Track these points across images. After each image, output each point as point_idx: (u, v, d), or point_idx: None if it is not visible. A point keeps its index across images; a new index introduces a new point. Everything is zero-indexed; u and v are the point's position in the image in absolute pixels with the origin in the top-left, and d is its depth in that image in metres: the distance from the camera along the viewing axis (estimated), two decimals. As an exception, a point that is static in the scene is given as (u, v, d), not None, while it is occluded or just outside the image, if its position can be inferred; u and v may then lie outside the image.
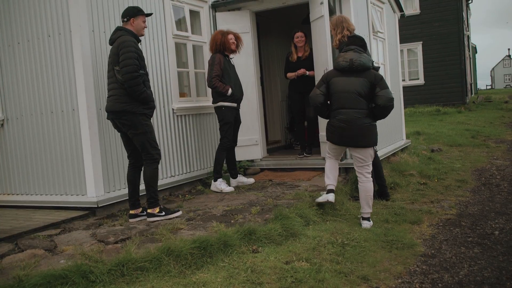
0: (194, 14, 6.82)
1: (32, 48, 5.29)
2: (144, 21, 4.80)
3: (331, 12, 6.33)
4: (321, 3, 6.28)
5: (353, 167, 5.96)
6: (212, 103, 6.10)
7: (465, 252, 3.97)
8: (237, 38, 6.17)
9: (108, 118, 4.74)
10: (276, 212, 4.35)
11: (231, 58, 6.20)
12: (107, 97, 4.68)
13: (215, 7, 7.04)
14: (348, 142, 4.69)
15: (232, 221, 4.43)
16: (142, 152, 4.65)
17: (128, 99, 4.51)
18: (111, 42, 4.67)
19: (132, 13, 4.71)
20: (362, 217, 4.74)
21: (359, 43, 4.77)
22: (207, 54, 6.64)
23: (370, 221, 4.72)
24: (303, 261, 3.58)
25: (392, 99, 4.59)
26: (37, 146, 5.40)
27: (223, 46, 5.97)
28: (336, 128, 4.67)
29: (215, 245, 3.59)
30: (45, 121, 5.30)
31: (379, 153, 6.25)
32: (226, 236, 3.70)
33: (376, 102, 4.60)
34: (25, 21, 5.31)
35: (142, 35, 4.81)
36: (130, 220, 4.73)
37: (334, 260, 3.68)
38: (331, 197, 4.76)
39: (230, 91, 5.91)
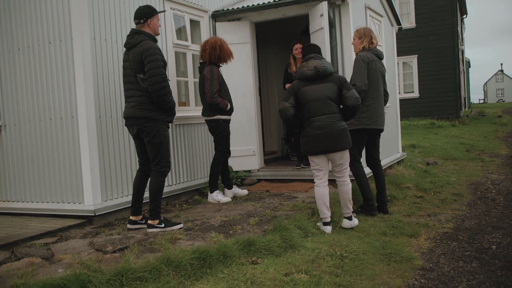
0: (194, 24, 6.85)
1: (33, 55, 5.28)
2: (159, 19, 4.73)
3: (331, 24, 6.39)
4: (321, 15, 6.33)
5: (351, 179, 6.02)
6: (204, 116, 5.95)
7: (463, 266, 3.98)
8: None
9: (126, 125, 4.68)
10: (275, 223, 4.34)
11: (221, 67, 6.02)
12: (126, 102, 4.60)
13: (215, 17, 7.07)
14: (327, 148, 4.75)
15: (230, 231, 4.42)
16: (152, 161, 4.59)
17: (152, 107, 4.46)
18: (129, 46, 4.52)
19: (148, 13, 4.59)
20: (345, 217, 4.98)
21: (317, 50, 4.95)
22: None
23: (352, 219, 4.98)
24: (302, 273, 3.57)
25: (359, 98, 4.80)
26: (35, 152, 5.37)
27: (222, 58, 5.81)
28: (313, 136, 4.75)
29: (215, 256, 3.57)
30: (43, 127, 5.28)
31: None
32: (226, 247, 3.68)
33: (345, 104, 4.78)
34: (26, 28, 5.30)
35: (158, 34, 4.73)
36: (129, 226, 4.70)
37: (333, 272, 3.67)
38: (329, 229, 4.80)
39: (229, 106, 5.87)
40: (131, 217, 4.74)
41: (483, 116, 23.22)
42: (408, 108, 19.45)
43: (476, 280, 3.65)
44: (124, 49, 4.94)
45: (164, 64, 4.50)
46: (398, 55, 19.25)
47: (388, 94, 5.79)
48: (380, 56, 5.50)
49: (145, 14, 4.58)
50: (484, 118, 22.15)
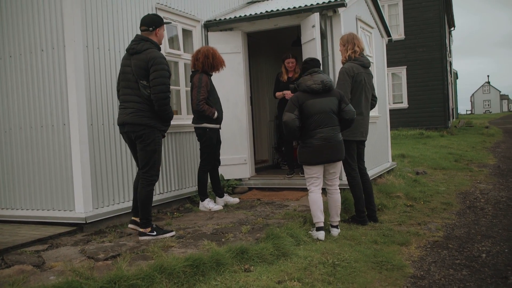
0: (187, 33, 6.89)
1: (24, 62, 5.27)
2: (164, 30, 4.76)
3: (323, 35, 6.47)
4: (313, 26, 6.40)
5: (344, 188, 6.07)
6: (193, 123, 5.96)
7: (453, 274, 4.01)
8: None
9: (121, 132, 4.66)
10: (268, 231, 4.35)
11: (211, 75, 6.04)
12: (122, 108, 4.57)
13: (207, 27, 7.12)
14: (329, 158, 4.94)
15: (223, 239, 4.42)
16: (142, 168, 4.57)
17: (151, 114, 4.45)
18: (134, 51, 4.50)
19: (158, 22, 4.61)
20: (331, 225, 5.10)
21: (318, 65, 5.18)
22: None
23: (338, 228, 5.11)
24: (295, 281, 3.57)
25: (355, 112, 5.07)
26: (25, 160, 5.33)
27: (215, 66, 5.85)
28: (316, 147, 4.90)
29: (208, 263, 3.57)
30: (34, 135, 5.25)
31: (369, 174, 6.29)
32: (219, 255, 3.68)
33: (343, 117, 5.01)
34: (18, 35, 5.29)
35: (161, 44, 4.77)
36: (130, 226, 4.75)
37: (325, 280, 3.69)
38: (322, 235, 4.85)
39: (216, 114, 5.87)
40: (133, 218, 4.75)
41: (471, 126, 23.51)
42: (397, 118, 19.62)
43: (467, 288, 3.69)
44: (118, 57, 4.98)
45: (169, 74, 4.52)
46: (388, 66, 19.51)
47: (376, 97, 5.85)
48: (365, 65, 5.53)
49: (155, 22, 4.61)
50: (472, 129, 22.42)
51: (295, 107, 4.94)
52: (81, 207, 4.92)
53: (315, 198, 4.98)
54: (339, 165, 5.12)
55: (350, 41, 5.52)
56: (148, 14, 4.76)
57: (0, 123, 5.50)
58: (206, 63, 5.80)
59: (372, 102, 5.72)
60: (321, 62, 6.38)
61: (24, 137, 5.33)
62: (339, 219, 5.14)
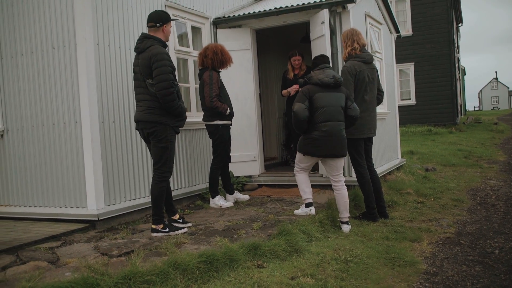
0: (196, 30, 6.89)
1: (36, 60, 5.30)
2: (171, 26, 4.78)
3: (332, 31, 6.45)
4: (322, 22, 6.39)
5: (354, 185, 6.08)
6: (205, 121, 5.97)
7: (466, 270, 4.00)
8: None
9: (137, 129, 4.70)
10: (280, 228, 4.36)
11: (220, 72, 6.05)
12: (137, 106, 4.63)
13: (216, 24, 7.12)
14: (332, 152, 5.03)
15: (235, 236, 4.43)
16: (155, 165, 4.61)
17: (162, 111, 4.48)
18: (139, 50, 4.54)
19: (165, 18, 4.62)
20: (341, 221, 5.14)
21: (328, 61, 5.31)
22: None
23: (349, 224, 5.13)
24: (308, 277, 3.58)
25: (359, 110, 5.21)
26: (37, 157, 5.37)
27: (224, 62, 5.85)
28: (320, 140, 5.00)
29: (221, 259, 3.58)
30: (46, 132, 5.29)
31: (378, 171, 6.27)
32: (232, 251, 3.69)
33: (349, 114, 5.11)
34: (29, 33, 5.33)
35: (168, 40, 4.76)
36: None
37: (338, 276, 3.69)
38: (313, 210, 5.20)
39: (228, 110, 5.88)
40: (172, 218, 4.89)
41: (479, 123, 23.35)
42: (405, 115, 19.54)
43: (481, 284, 3.68)
44: (128, 54, 4.98)
45: (173, 69, 4.52)
46: (395, 62, 19.44)
47: (382, 92, 5.82)
48: (367, 61, 5.48)
49: (162, 18, 4.62)
50: (480, 125, 22.28)
51: (305, 98, 5.04)
52: (93, 204, 4.95)
53: (303, 178, 5.27)
54: (342, 161, 5.16)
55: (350, 38, 5.48)
56: (155, 10, 4.77)
57: (12, 120, 5.54)
58: (216, 60, 5.79)
59: (378, 97, 5.69)
60: (330, 58, 6.38)
61: (36, 135, 5.37)
62: (348, 215, 5.16)
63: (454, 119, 19.60)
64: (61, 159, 5.20)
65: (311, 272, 3.68)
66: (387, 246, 4.60)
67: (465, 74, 42.77)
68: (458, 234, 5.11)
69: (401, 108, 19.46)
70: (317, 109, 5.00)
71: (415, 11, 19.82)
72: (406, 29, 19.88)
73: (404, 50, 19.53)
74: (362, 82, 5.40)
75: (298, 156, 5.29)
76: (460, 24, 27.92)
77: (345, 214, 5.12)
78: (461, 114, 28.34)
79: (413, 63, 19.92)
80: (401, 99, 20.11)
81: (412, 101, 20.04)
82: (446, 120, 19.52)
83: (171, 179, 6.02)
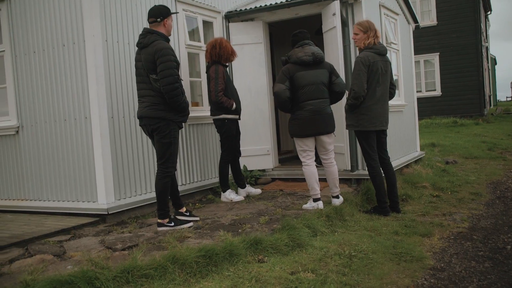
0: (207, 25, 6.89)
1: (47, 57, 5.40)
2: (172, 20, 4.79)
3: (344, 23, 6.35)
4: (334, 14, 6.30)
5: (365, 178, 6.02)
6: (212, 115, 5.98)
7: (475, 266, 3.90)
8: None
9: (140, 125, 4.74)
10: (283, 222, 4.34)
11: (227, 67, 6.06)
12: (140, 102, 4.65)
13: (228, 18, 7.11)
14: (319, 130, 5.13)
15: (239, 230, 4.43)
16: (158, 160, 4.64)
17: (165, 107, 4.50)
18: (142, 45, 4.54)
19: (166, 13, 4.62)
20: (332, 196, 5.38)
21: (308, 37, 5.28)
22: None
23: (339, 197, 5.37)
24: (308, 272, 3.55)
25: (345, 85, 5.30)
26: (51, 153, 5.49)
27: (221, 56, 5.81)
28: (305, 119, 5.07)
29: (220, 254, 3.59)
30: (58, 128, 5.39)
31: (393, 164, 6.16)
32: (232, 245, 3.69)
33: (334, 90, 5.19)
34: (41, 31, 5.43)
35: (170, 35, 4.77)
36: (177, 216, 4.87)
37: (340, 271, 3.65)
38: (321, 204, 5.22)
39: (234, 105, 5.86)
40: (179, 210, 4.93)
41: (509, 114, 22.71)
42: (430, 106, 19.16)
43: (488, 281, 3.58)
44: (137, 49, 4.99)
45: (177, 64, 4.53)
46: (419, 53, 19.06)
47: (395, 86, 5.70)
48: (382, 53, 5.37)
49: (163, 13, 4.62)
50: (509, 116, 21.68)
51: (286, 78, 5.06)
52: (104, 198, 5.03)
53: (312, 171, 5.22)
54: (330, 139, 5.26)
55: (372, 28, 5.36)
56: (155, 5, 4.78)
57: (27, 117, 5.67)
58: (214, 53, 5.81)
59: (390, 90, 5.56)
60: (342, 51, 6.30)
61: (49, 131, 5.48)
62: (338, 190, 5.38)
63: (481, 110, 19.10)
64: (73, 154, 5.30)
65: (312, 267, 3.64)
66: (395, 241, 4.52)
67: (495, 64, 41.63)
68: (471, 229, 4.98)
69: (425, 99, 19.16)
70: (298, 88, 5.05)
71: (440, 0, 19.35)
72: (431, 19, 19.45)
73: (429, 40, 19.12)
74: (375, 74, 5.30)
75: (295, 144, 5.35)
76: (488, 12, 27.12)
77: (334, 190, 5.35)
78: (490, 105, 27.61)
79: (438, 53, 19.48)
80: (426, 90, 19.72)
81: (438, 92, 19.62)
82: (472, 111, 19.05)
83: (183, 173, 6.08)
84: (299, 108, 5.09)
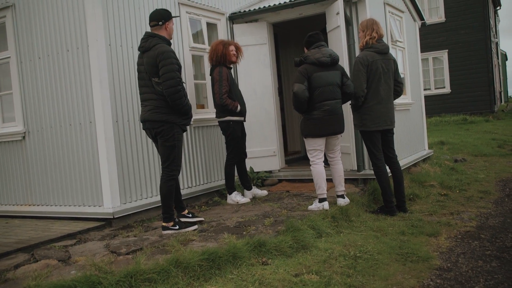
0: (211, 27, 6.90)
1: (52, 62, 5.44)
2: (173, 23, 4.81)
3: (348, 22, 6.32)
4: (337, 13, 6.26)
5: (371, 178, 5.99)
6: (217, 118, 5.99)
7: (482, 266, 3.85)
8: (238, 49, 6.07)
9: (144, 128, 4.76)
10: (288, 224, 4.32)
11: (231, 68, 6.08)
12: (143, 106, 4.66)
13: (232, 19, 7.10)
14: (335, 130, 5.22)
15: (244, 232, 4.42)
16: (163, 164, 4.65)
17: (168, 110, 4.51)
18: (144, 49, 4.56)
19: (167, 16, 4.65)
20: (337, 195, 5.40)
21: (323, 39, 5.33)
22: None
23: (344, 197, 5.38)
24: (312, 274, 3.53)
25: (353, 86, 5.27)
26: (57, 158, 5.52)
27: (223, 58, 5.84)
28: (321, 120, 5.14)
29: (224, 257, 3.58)
30: (64, 133, 5.42)
31: (401, 163, 6.10)
32: (236, 248, 3.68)
33: (345, 91, 5.25)
34: (45, 36, 5.47)
35: (172, 38, 4.78)
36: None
37: (345, 273, 3.62)
38: (327, 205, 5.21)
39: (239, 107, 5.86)
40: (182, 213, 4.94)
41: (520, 110, 22.45)
42: (439, 104, 19.00)
43: (494, 280, 3.53)
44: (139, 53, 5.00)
45: (179, 67, 4.53)
46: (428, 50, 18.92)
47: (401, 83, 5.64)
48: (382, 51, 5.32)
49: (164, 16, 4.63)
50: (520, 112, 21.41)
51: (304, 78, 5.11)
52: (109, 203, 5.05)
53: (320, 170, 5.24)
54: (340, 138, 5.37)
55: (370, 27, 5.35)
56: (157, 9, 4.81)
57: (33, 122, 5.71)
58: (214, 56, 5.86)
59: (396, 88, 5.51)
60: (346, 50, 6.26)
61: (54, 136, 5.52)
62: (343, 189, 5.39)
63: (491, 107, 18.89)
64: (78, 159, 5.33)
65: (316, 268, 3.62)
66: (402, 241, 4.48)
67: (506, 59, 41.15)
68: (479, 227, 4.92)
69: (435, 97, 19.00)
70: (315, 88, 5.11)
71: (448, -4, 19.18)
72: (439, 16, 19.29)
73: (437, 37, 18.97)
74: (375, 73, 5.26)
75: (306, 143, 5.36)
76: (498, 8, 26.82)
77: (340, 188, 5.36)
78: (501, 101, 27.31)
79: (447, 50, 19.31)
80: (435, 88, 19.56)
81: (447, 90, 19.44)
82: (482, 108, 18.85)
83: (188, 176, 6.09)
84: (315, 109, 5.15)
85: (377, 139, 5.35)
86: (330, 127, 5.18)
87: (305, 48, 5.42)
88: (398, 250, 4.19)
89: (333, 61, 5.16)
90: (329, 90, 5.13)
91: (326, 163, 5.64)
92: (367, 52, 5.28)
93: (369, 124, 5.26)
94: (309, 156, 5.36)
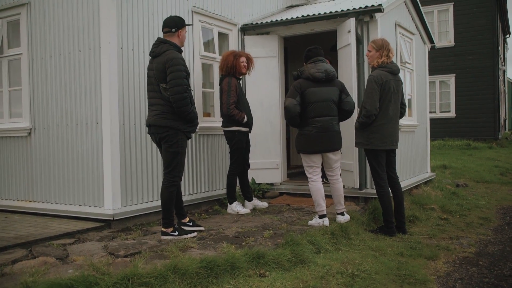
0: (223, 37, 6.95)
1: (63, 62, 5.48)
2: (186, 31, 4.86)
3: (358, 41, 6.36)
4: (349, 31, 6.31)
5: (373, 197, 5.98)
6: (223, 127, 6.01)
7: (479, 292, 3.84)
8: (249, 60, 6.10)
9: (149, 133, 4.78)
10: (287, 237, 4.31)
11: (240, 79, 6.12)
12: (150, 110, 4.69)
13: (244, 31, 7.16)
14: (326, 147, 5.17)
15: (243, 243, 4.42)
16: (165, 169, 4.66)
17: (174, 116, 4.53)
18: (154, 55, 4.61)
19: (180, 24, 4.70)
20: (337, 213, 5.36)
21: (322, 54, 5.30)
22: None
23: (344, 214, 5.35)
24: (309, 289, 3.52)
25: (354, 104, 5.33)
26: (61, 156, 5.54)
27: (233, 69, 5.88)
28: (312, 136, 5.11)
29: (222, 266, 3.58)
30: (70, 132, 5.45)
31: (402, 185, 6.10)
32: (234, 258, 3.68)
33: (343, 108, 5.23)
34: (58, 36, 5.52)
35: (183, 46, 4.83)
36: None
37: (341, 290, 3.61)
38: (327, 221, 5.19)
39: (245, 118, 5.89)
40: (182, 221, 4.96)
41: (524, 139, 22.42)
42: (443, 127, 18.98)
43: (491, 308, 3.52)
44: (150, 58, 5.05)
45: (187, 74, 4.57)
46: (435, 74, 18.96)
47: (405, 105, 5.65)
48: (394, 72, 5.34)
49: (178, 24, 4.69)
50: (524, 141, 21.38)
51: (297, 93, 5.09)
52: (110, 204, 5.06)
53: (318, 187, 5.19)
54: (338, 155, 5.29)
55: (386, 47, 5.33)
56: (170, 16, 4.87)
57: (40, 119, 5.74)
58: (224, 66, 5.91)
59: (400, 110, 5.53)
60: (355, 69, 6.30)
61: (60, 134, 5.54)
62: (343, 207, 5.36)
63: (495, 134, 18.87)
64: (82, 158, 5.35)
65: (313, 284, 3.61)
66: (400, 262, 4.46)
67: (512, 88, 41.18)
68: (477, 254, 4.91)
69: (439, 120, 19.00)
70: (308, 104, 5.08)
71: (458, 21, 19.25)
72: (448, 40, 19.37)
73: (445, 61, 19.01)
74: (387, 93, 5.27)
75: (302, 159, 5.35)
76: (507, 36, 26.95)
77: (339, 206, 5.34)
78: (505, 129, 27.31)
79: (454, 74, 19.33)
80: (440, 111, 19.56)
81: (452, 114, 19.44)
82: (486, 134, 18.83)
83: (190, 183, 6.09)
84: (307, 124, 5.13)
85: (383, 159, 5.36)
86: (321, 144, 5.13)
87: (304, 63, 5.44)
88: (395, 271, 4.18)
89: (328, 77, 5.12)
90: (323, 106, 5.09)
91: (326, 179, 5.65)
92: (381, 71, 5.27)
93: (377, 143, 5.26)
94: (306, 173, 5.34)
